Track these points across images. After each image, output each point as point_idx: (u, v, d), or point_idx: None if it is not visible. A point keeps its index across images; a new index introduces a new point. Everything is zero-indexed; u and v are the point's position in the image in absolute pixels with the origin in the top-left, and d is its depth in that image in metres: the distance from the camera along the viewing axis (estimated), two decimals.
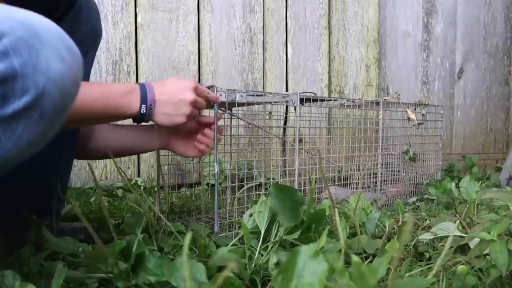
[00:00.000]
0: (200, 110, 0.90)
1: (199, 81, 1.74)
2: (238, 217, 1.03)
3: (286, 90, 1.92)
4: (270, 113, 1.78)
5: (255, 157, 1.65)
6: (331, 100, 1.39)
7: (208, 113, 1.71)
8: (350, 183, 1.41)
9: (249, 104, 1.05)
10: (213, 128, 0.95)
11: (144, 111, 0.79)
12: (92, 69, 1.19)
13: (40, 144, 0.50)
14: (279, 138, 1.76)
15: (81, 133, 0.93)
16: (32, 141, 0.47)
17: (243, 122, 1.19)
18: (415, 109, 1.58)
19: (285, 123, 1.77)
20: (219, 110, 0.97)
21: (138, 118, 0.80)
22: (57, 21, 0.77)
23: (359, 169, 1.42)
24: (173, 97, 0.82)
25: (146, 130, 0.98)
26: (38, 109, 0.45)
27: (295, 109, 1.13)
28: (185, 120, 0.84)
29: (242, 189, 1.05)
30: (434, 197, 1.39)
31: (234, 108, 1.19)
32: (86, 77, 0.88)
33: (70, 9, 0.79)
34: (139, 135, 0.98)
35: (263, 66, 1.87)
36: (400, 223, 1.02)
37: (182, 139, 0.98)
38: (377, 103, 1.43)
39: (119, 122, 0.93)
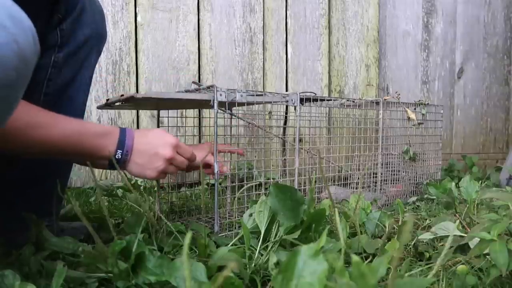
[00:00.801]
0: (179, 170, 0.85)
1: (199, 81, 1.74)
2: (238, 217, 1.03)
3: (286, 90, 1.92)
4: (270, 113, 1.78)
5: (255, 156, 1.65)
6: (331, 100, 1.39)
7: (208, 113, 1.71)
8: (350, 183, 1.41)
9: (249, 104, 1.04)
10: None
11: (120, 157, 0.75)
12: None
13: None
14: (279, 137, 1.76)
15: None
16: None
17: (243, 122, 1.19)
18: (415, 108, 1.58)
19: (285, 123, 1.77)
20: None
21: (110, 163, 0.75)
22: (59, 22, 0.78)
23: (359, 168, 1.42)
24: (150, 149, 0.77)
25: None
26: None
27: (295, 109, 1.13)
28: (156, 176, 0.79)
29: (242, 188, 1.05)
30: (434, 197, 1.39)
31: (234, 108, 1.19)
32: (89, 79, 0.87)
33: (72, 10, 0.79)
34: None
35: (263, 66, 1.87)
36: (400, 223, 1.02)
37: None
38: (377, 103, 1.42)
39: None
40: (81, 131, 0.70)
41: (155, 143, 0.78)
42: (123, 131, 0.76)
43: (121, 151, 0.75)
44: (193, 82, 1.14)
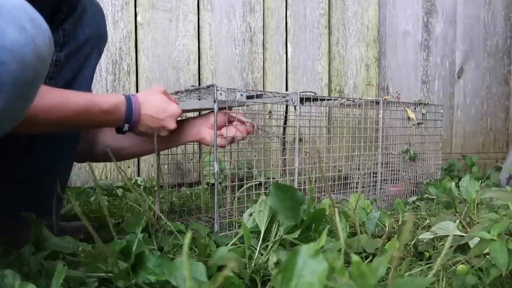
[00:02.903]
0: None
1: (199, 80, 1.74)
2: (238, 217, 1.03)
3: (286, 90, 1.92)
4: (270, 112, 1.78)
5: (255, 156, 1.65)
6: (331, 99, 1.39)
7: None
8: (350, 183, 1.41)
9: (249, 103, 1.04)
10: (241, 124, 0.98)
11: (127, 129, 0.83)
12: None
13: (7, 122, 0.47)
14: (278, 137, 1.76)
15: (86, 139, 0.93)
16: None
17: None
18: (415, 108, 1.58)
19: (285, 123, 1.77)
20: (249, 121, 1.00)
21: (119, 132, 0.85)
22: (61, 22, 0.78)
23: (359, 168, 1.42)
24: (156, 121, 0.86)
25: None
26: None
27: (295, 109, 1.13)
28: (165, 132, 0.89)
29: (242, 188, 1.05)
30: (434, 197, 1.39)
31: (234, 108, 1.19)
32: (90, 79, 0.88)
33: (73, 10, 0.79)
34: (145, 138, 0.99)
35: (263, 66, 1.87)
36: (400, 223, 1.02)
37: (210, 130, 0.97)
38: (377, 103, 1.42)
39: None
40: (89, 109, 0.74)
41: (160, 116, 0.85)
42: (129, 103, 0.81)
43: (128, 124, 0.82)
44: (192, 86, 1.14)
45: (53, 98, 0.68)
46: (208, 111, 1.01)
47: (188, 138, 0.99)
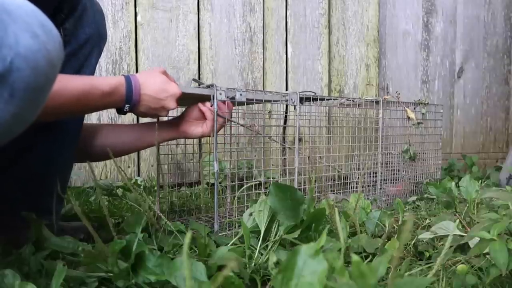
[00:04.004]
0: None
1: (199, 80, 1.74)
2: (238, 216, 1.03)
3: (286, 89, 1.92)
4: (270, 112, 1.78)
5: (255, 156, 1.65)
6: (331, 99, 1.39)
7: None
8: (350, 183, 1.41)
9: (248, 103, 1.04)
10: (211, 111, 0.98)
11: (127, 110, 0.83)
12: None
13: (17, 126, 0.48)
14: (276, 142, 1.76)
15: (82, 135, 0.93)
16: (5, 122, 0.45)
17: (243, 122, 1.19)
18: (415, 108, 1.58)
19: (285, 122, 1.77)
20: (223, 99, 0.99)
21: (120, 112, 0.85)
22: (62, 21, 0.78)
23: (359, 168, 1.42)
24: (156, 102, 0.85)
25: (150, 126, 1.00)
26: (7, 86, 0.43)
27: (295, 108, 1.13)
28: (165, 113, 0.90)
29: (242, 188, 1.05)
30: (434, 196, 1.39)
31: (234, 107, 1.19)
32: None
33: (74, 10, 0.80)
34: (142, 131, 0.99)
35: (263, 65, 1.87)
36: (400, 222, 1.02)
37: (191, 124, 1.00)
38: (377, 102, 1.42)
39: (121, 120, 0.94)
40: (90, 92, 0.74)
41: (160, 96, 0.86)
42: (128, 84, 0.81)
43: (128, 105, 0.82)
44: (193, 80, 1.14)
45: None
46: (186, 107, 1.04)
47: (169, 135, 1.00)
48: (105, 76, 1.53)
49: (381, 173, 1.44)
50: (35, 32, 0.44)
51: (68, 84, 0.71)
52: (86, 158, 0.87)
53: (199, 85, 1.05)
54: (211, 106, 0.97)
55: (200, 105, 0.99)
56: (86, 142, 0.95)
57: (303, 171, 1.21)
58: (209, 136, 0.99)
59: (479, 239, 0.70)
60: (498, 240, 0.65)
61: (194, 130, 0.99)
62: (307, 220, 0.81)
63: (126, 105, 0.82)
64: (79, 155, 0.92)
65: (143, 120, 1.66)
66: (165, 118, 1.03)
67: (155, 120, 0.98)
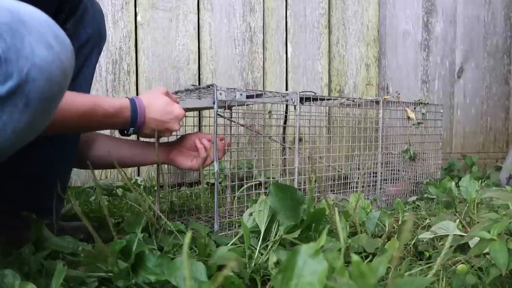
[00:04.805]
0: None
1: (199, 80, 1.74)
2: (238, 216, 1.03)
3: (286, 89, 1.92)
4: (270, 112, 1.78)
5: (255, 156, 1.65)
6: (331, 99, 1.39)
7: (208, 113, 1.70)
8: (350, 182, 1.41)
9: (248, 103, 1.04)
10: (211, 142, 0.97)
11: (131, 133, 0.83)
12: None
13: (29, 134, 0.49)
14: (276, 142, 1.76)
15: (82, 141, 0.93)
16: (19, 130, 0.46)
17: (243, 122, 1.19)
18: (415, 108, 1.58)
19: (285, 122, 1.77)
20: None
21: (123, 134, 0.85)
22: (63, 21, 0.78)
23: (359, 168, 1.42)
24: (160, 124, 0.85)
25: (147, 145, 1.00)
26: (23, 96, 0.44)
27: (295, 108, 1.13)
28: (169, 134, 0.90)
29: (242, 188, 1.05)
30: (434, 196, 1.39)
31: (234, 107, 1.19)
32: (90, 78, 0.88)
33: (75, 10, 0.80)
34: (140, 149, 1.00)
35: (263, 65, 1.87)
36: (400, 222, 1.02)
37: (182, 154, 1.00)
38: (377, 102, 1.42)
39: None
40: (93, 111, 0.73)
41: (164, 118, 0.86)
42: (133, 106, 0.81)
43: (133, 128, 0.82)
44: (192, 85, 1.14)
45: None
46: (181, 135, 1.03)
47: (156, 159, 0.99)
48: (110, 98, 1.54)
49: (381, 173, 1.44)
50: (50, 43, 0.45)
51: (73, 102, 0.70)
52: (81, 165, 0.87)
53: (197, 89, 1.05)
54: (209, 141, 0.98)
55: (197, 141, 0.98)
56: (83, 150, 0.95)
57: (303, 171, 1.21)
58: (197, 170, 0.99)
59: (479, 239, 0.70)
60: (498, 240, 0.65)
61: (183, 161, 0.98)
62: (307, 220, 0.81)
63: (131, 128, 0.82)
64: (78, 161, 0.93)
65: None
66: (166, 139, 1.03)
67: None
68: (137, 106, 0.81)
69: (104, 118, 0.75)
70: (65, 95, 0.70)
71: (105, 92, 1.59)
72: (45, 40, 0.45)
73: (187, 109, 0.94)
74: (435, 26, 2.34)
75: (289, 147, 1.77)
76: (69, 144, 0.87)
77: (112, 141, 1.00)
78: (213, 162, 0.96)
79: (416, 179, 1.57)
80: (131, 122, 0.81)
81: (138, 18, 1.63)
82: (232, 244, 0.82)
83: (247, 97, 1.03)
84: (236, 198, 1.13)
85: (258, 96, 1.15)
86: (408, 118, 1.51)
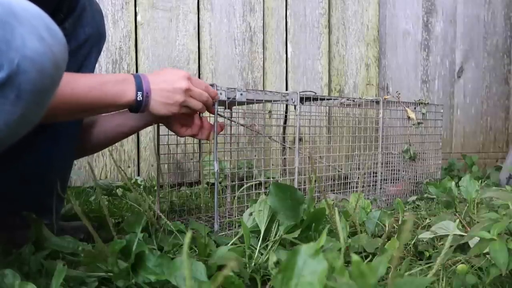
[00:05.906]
0: (196, 103, 0.86)
1: None
2: (238, 216, 1.03)
3: (286, 89, 1.92)
4: (270, 112, 1.78)
5: (255, 156, 1.65)
6: (331, 99, 1.39)
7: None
8: (350, 182, 1.41)
9: (248, 103, 1.04)
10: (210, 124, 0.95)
11: (141, 99, 0.77)
12: None
13: (22, 127, 0.48)
14: (276, 142, 1.76)
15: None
16: (12, 123, 0.46)
17: (243, 121, 1.19)
18: (415, 108, 1.58)
19: (285, 122, 1.77)
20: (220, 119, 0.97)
21: (135, 106, 0.78)
22: (61, 21, 0.78)
23: (359, 168, 1.42)
24: (167, 85, 0.81)
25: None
26: (14, 88, 0.44)
27: (295, 108, 1.13)
28: (178, 110, 0.82)
29: (242, 188, 1.05)
30: (434, 196, 1.39)
31: (234, 107, 1.19)
32: None
33: (73, 9, 0.80)
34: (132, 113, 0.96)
35: (263, 65, 1.87)
36: (400, 222, 1.02)
37: (179, 122, 0.95)
38: (377, 102, 1.42)
39: None
40: (102, 81, 0.73)
41: (170, 79, 0.82)
42: (137, 75, 0.79)
43: (140, 92, 0.78)
44: None
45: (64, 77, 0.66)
46: None
47: (154, 119, 0.96)
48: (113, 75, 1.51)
49: (381, 173, 1.44)
50: (41, 35, 0.45)
51: (80, 78, 0.70)
52: (83, 153, 0.86)
53: None
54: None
55: (196, 116, 0.95)
56: (85, 136, 0.94)
57: (303, 171, 1.21)
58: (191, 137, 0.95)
59: (479, 239, 0.70)
60: (498, 240, 0.65)
61: (178, 128, 0.94)
62: (307, 220, 0.81)
63: (139, 92, 0.77)
64: (76, 151, 0.92)
65: None
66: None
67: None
68: (140, 75, 0.79)
69: (114, 84, 0.75)
70: (68, 78, 0.69)
71: None
72: (37, 32, 0.45)
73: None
74: (435, 26, 2.34)
75: (289, 147, 1.77)
76: (68, 141, 0.86)
77: (105, 116, 0.97)
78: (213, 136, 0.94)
79: (416, 179, 1.57)
80: (137, 86, 0.77)
81: (138, 18, 1.63)
82: (232, 244, 0.82)
83: (248, 99, 1.03)
84: (236, 198, 1.13)
85: (258, 96, 1.15)
86: (408, 118, 1.51)
